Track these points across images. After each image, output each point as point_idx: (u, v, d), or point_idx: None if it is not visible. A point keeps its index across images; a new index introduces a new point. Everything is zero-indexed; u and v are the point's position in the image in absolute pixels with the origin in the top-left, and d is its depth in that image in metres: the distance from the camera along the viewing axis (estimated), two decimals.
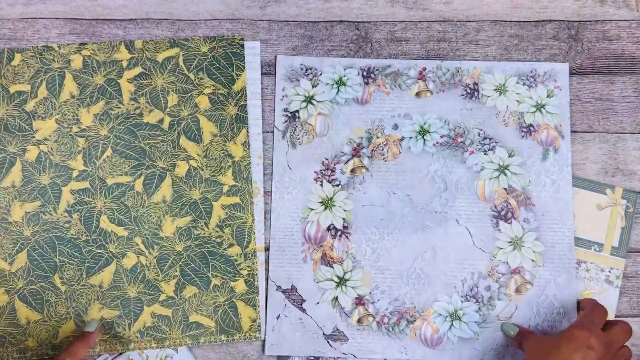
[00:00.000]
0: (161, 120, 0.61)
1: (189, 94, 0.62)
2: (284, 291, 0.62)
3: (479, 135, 0.66)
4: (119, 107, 0.61)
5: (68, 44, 0.60)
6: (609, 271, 0.58)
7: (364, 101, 0.67)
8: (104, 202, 0.59)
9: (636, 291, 0.59)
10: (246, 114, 0.63)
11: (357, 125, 0.66)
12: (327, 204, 0.64)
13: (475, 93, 0.66)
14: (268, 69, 0.66)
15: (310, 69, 0.67)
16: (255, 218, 0.62)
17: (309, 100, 0.66)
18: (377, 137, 0.66)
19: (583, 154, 0.60)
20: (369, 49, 0.67)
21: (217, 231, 0.60)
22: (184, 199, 0.59)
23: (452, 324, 0.62)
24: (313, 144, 0.65)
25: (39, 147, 0.58)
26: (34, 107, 0.58)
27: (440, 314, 0.62)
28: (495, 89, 0.66)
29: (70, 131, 0.59)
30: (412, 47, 0.67)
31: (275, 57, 0.66)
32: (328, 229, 0.64)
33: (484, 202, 0.64)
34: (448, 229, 0.64)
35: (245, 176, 0.62)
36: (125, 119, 0.61)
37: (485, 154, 0.65)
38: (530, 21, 0.61)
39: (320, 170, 0.65)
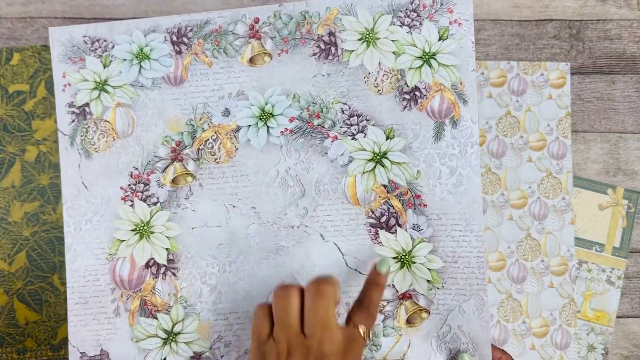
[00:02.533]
0: None
1: None
2: (91, 359, 0.47)
3: (343, 112, 0.46)
4: None
5: None
6: (611, 271, 0.58)
7: (178, 80, 0.47)
8: None
9: (638, 292, 0.58)
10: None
11: (173, 115, 0.47)
12: (143, 230, 0.47)
13: (333, 48, 0.46)
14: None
15: (98, 40, 0.47)
16: None
17: (102, 86, 0.47)
18: (203, 130, 0.47)
19: (584, 153, 0.59)
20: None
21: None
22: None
23: None
24: (114, 149, 0.47)
25: (38, 147, 0.58)
26: (33, 106, 0.58)
27: None
28: (360, 38, 0.46)
29: None
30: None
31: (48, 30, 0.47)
32: (147, 265, 0.47)
33: (357, 206, 0.46)
34: (310, 248, 0.46)
35: None
36: None
37: (353, 138, 0.46)
38: (531, 20, 0.59)
39: (129, 185, 0.47)
